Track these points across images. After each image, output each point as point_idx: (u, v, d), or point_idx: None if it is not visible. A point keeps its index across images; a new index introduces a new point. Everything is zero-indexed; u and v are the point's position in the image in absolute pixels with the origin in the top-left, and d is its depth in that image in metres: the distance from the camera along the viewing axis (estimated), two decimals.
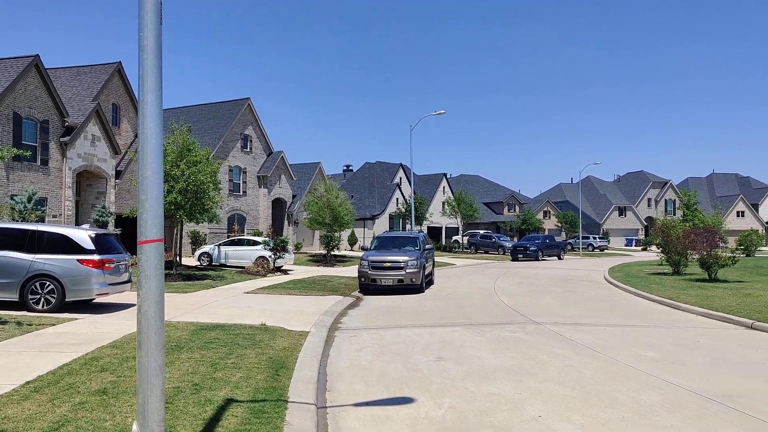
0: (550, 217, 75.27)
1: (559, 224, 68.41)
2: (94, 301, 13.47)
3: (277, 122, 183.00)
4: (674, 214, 72.24)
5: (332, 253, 34.56)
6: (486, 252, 51.71)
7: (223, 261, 27.62)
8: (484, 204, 71.47)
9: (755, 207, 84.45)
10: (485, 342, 10.15)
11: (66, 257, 12.33)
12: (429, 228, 60.92)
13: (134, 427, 3.93)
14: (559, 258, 44.41)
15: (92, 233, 12.88)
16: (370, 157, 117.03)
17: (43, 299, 12.17)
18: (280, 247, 26.04)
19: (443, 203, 59.69)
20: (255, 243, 27.60)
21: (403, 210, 55.22)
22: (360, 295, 18.23)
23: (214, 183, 21.85)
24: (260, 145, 42.75)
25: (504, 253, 48.71)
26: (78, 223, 26.62)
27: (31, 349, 8.37)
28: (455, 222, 58.03)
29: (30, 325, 10.34)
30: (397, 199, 57.83)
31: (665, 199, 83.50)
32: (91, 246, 12.49)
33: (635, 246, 72.30)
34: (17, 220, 19.46)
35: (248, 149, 41.31)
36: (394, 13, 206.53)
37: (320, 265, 31.26)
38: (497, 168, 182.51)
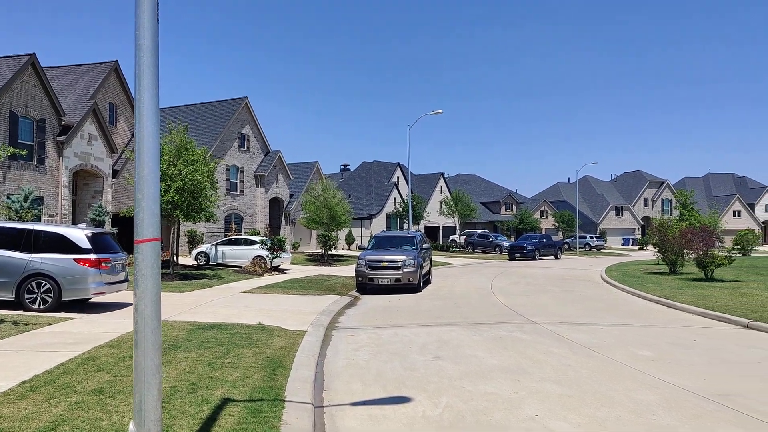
0: (547, 217, 75.38)
1: (556, 224, 68.53)
2: (90, 300, 13.44)
3: (274, 122, 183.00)
4: (671, 214, 72.46)
5: (329, 252, 34.55)
6: (483, 251, 51.75)
7: (220, 260, 27.59)
8: (482, 203, 71.59)
9: (751, 207, 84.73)
10: (482, 341, 10.16)
11: (62, 256, 12.30)
12: (426, 227, 60.97)
13: (131, 426, 3.92)
14: (556, 257, 44.47)
15: (89, 232, 12.85)
16: (367, 157, 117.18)
17: (39, 298, 12.14)
18: (277, 247, 26.02)
19: (441, 203, 59.76)
20: (252, 242, 27.58)
21: (401, 209, 55.23)
22: (357, 294, 18.23)
23: (211, 182, 21.82)
24: (257, 145, 42.72)
25: (501, 253, 48.76)
26: (74, 222, 26.57)
27: (28, 348, 8.35)
28: (452, 221, 58.09)
29: (26, 324, 10.32)
30: (395, 198, 57.85)
31: (662, 199, 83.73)
32: (87, 245, 12.46)
33: (632, 245, 72.46)
34: (14, 220, 19.42)
35: (245, 148, 41.27)
36: (393, 14, 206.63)
37: (317, 265, 31.24)
38: (495, 168, 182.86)
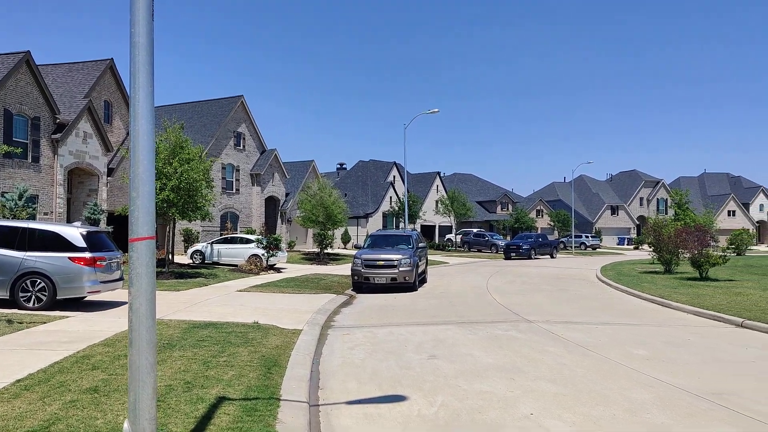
0: (543, 216, 75.51)
1: (552, 223, 68.66)
2: (85, 299, 13.39)
3: (272, 122, 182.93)
4: (666, 213, 72.67)
5: (325, 251, 34.54)
6: (479, 250, 51.82)
7: (215, 259, 27.54)
8: (478, 203, 71.63)
9: (746, 206, 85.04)
10: (478, 340, 10.17)
11: (57, 255, 12.25)
12: (422, 226, 60.99)
13: (125, 425, 3.91)
14: (552, 256, 44.57)
15: (84, 231, 12.80)
16: (366, 156, 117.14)
17: (34, 297, 12.10)
18: (273, 245, 25.99)
19: (437, 202, 59.80)
20: (248, 241, 27.54)
21: (397, 208, 55.23)
22: (353, 293, 18.23)
23: (206, 181, 21.79)
24: (253, 143, 42.65)
25: (497, 252, 48.84)
26: (69, 220, 26.48)
27: (22, 347, 8.32)
28: (448, 220, 58.13)
29: (21, 323, 10.27)
30: (391, 197, 57.85)
31: (657, 198, 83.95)
32: (82, 244, 12.42)
33: (627, 245, 72.68)
34: (8, 218, 19.32)
35: (241, 147, 41.20)
36: (392, 14, 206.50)
37: (313, 264, 31.22)
38: (493, 167, 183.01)
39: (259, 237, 27.78)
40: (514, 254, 41.85)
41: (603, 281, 22.55)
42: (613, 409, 6.13)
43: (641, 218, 79.39)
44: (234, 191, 40.29)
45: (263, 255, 25.74)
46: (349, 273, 19.97)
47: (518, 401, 6.42)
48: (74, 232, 12.60)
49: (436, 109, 34.56)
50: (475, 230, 57.30)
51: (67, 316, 11.35)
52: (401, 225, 52.76)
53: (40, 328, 9.97)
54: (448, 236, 59.92)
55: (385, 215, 56.74)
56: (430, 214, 61.72)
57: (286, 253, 29.58)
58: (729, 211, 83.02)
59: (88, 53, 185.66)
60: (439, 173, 67.97)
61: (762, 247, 74.33)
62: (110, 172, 30.02)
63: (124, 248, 10.93)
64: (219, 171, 38.07)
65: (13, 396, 5.77)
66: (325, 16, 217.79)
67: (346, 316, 13.51)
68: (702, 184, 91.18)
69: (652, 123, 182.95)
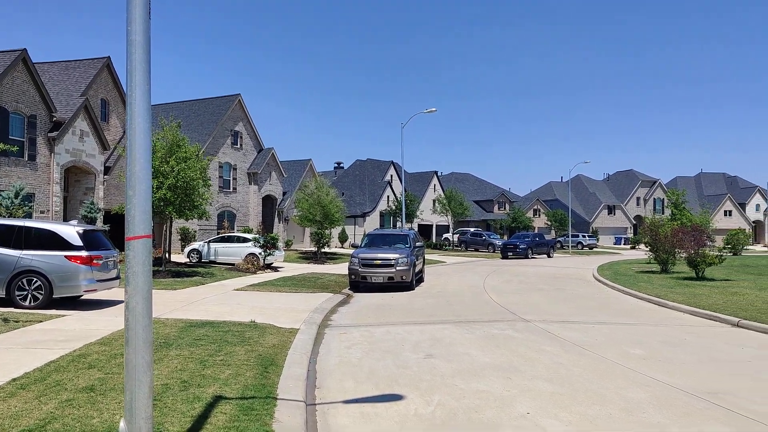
0: (540, 216, 75.59)
1: (549, 222, 68.75)
2: (82, 297, 13.36)
3: (272, 121, 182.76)
4: (663, 213, 72.81)
5: (323, 250, 34.52)
6: (476, 250, 51.86)
7: (212, 258, 27.50)
8: (475, 202, 71.66)
9: (742, 206, 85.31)
10: (475, 339, 10.18)
11: (53, 253, 12.22)
12: (420, 226, 60.99)
13: (121, 424, 3.91)
14: (549, 256, 44.63)
15: (80, 229, 12.78)
16: (362, 155, 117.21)
17: (30, 296, 12.07)
18: (270, 244, 25.97)
19: (434, 201, 59.84)
20: (245, 240, 27.51)
21: (394, 207, 55.26)
22: (350, 292, 18.22)
23: (203, 179, 21.76)
24: (251, 142, 42.60)
25: (494, 251, 48.87)
26: (66, 219, 26.42)
27: (18, 345, 8.30)
28: (446, 220, 58.18)
29: (17, 321, 10.25)
30: (388, 196, 57.85)
31: (654, 198, 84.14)
32: (79, 242, 12.39)
33: (624, 244, 72.77)
34: (4, 216, 19.26)
35: (238, 146, 41.15)
36: (392, 14, 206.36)
37: (310, 263, 31.21)
38: (490, 167, 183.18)
39: (256, 236, 27.77)
40: (511, 254, 41.89)
41: (600, 281, 22.59)
42: (610, 409, 6.14)
43: (638, 218, 79.56)
44: (231, 190, 40.24)
45: (260, 254, 25.71)
46: (347, 272, 19.96)
47: (515, 400, 6.43)
48: (71, 231, 12.57)
49: (434, 109, 34.57)
50: (472, 229, 57.33)
51: (64, 315, 11.33)
52: (398, 224, 52.76)
53: (37, 326, 9.95)
54: (445, 235, 59.97)
55: (382, 214, 56.75)
56: (428, 213, 61.73)
57: (283, 252, 29.56)
58: (725, 211, 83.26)
59: (86, 51, 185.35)
60: (436, 172, 67.98)
61: (758, 247, 74.55)
62: (107, 170, 29.96)
63: (121, 247, 10.86)
64: (216, 170, 38.02)
65: (9, 395, 5.75)
66: (325, 16, 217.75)
67: (343, 315, 13.51)
68: (699, 184, 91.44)
69: (651, 123, 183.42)
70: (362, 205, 56.04)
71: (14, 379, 6.33)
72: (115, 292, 14.08)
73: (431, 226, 63.95)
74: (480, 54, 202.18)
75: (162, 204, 19.90)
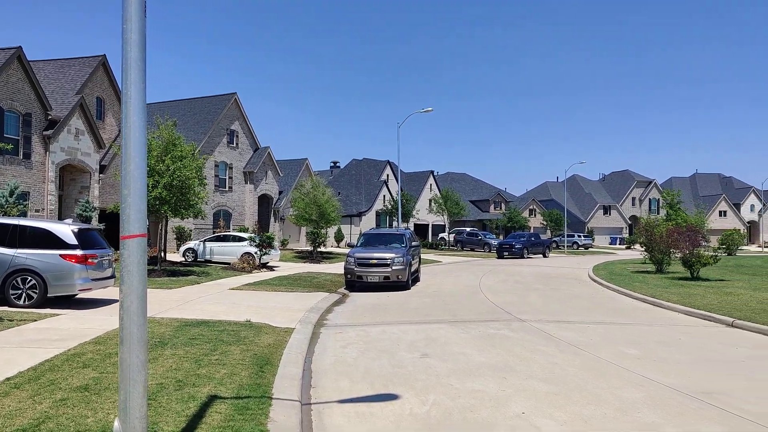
0: (535, 216, 75.73)
1: (545, 222, 68.84)
2: (76, 296, 13.32)
3: (272, 121, 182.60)
4: (658, 213, 73.03)
5: (318, 249, 34.50)
6: (472, 249, 51.92)
7: (208, 257, 27.45)
8: (471, 202, 71.76)
9: (737, 207, 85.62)
10: (470, 339, 10.19)
11: (48, 252, 12.18)
12: (416, 225, 61.04)
13: (116, 423, 3.89)
14: (544, 256, 44.71)
15: (75, 228, 12.73)
16: (361, 155, 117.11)
17: (24, 294, 12.02)
18: (266, 244, 25.94)
19: (430, 201, 59.86)
20: (241, 239, 27.47)
21: (390, 207, 55.25)
22: (346, 291, 18.21)
23: (199, 178, 21.71)
24: (247, 141, 42.52)
25: (490, 251, 48.93)
26: (61, 217, 26.31)
27: (12, 344, 8.27)
28: (442, 219, 58.18)
29: (11, 320, 10.20)
30: (384, 196, 57.84)
31: (649, 198, 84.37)
32: (74, 241, 12.35)
33: (619, 244, 73.00)
34: None
35: (234, 144, 41.06)
36: (393, 14, 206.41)
37: (306, 262, 31.19)
38: (487, 166, 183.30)
39: (252, 235, 27.72)
40: (506, 253, 41.94)
41: (595, 281, 22.64)
42: (604, 408, 6.15)
43: (633, 218, 79.76)
44: (227, 189, 40.16)
45: (256, 253, 25.67)
46: (342, 271, 19.96)
47: (510, 400, 6.44)
48: (65, 230, 12.53)
49: (430, 108, 34.66)
50: (468, 229, 57.41)
51: (58, 314, 11.28)
52: (395, 224, 52.77)
53: (31, 325, 9.91)
54: (441, 235, 59.99)
55: (378, 214, 56.73)
56: (424, 212, 61.77)
57: (279, 252, 29.53)
58: (720, 212, 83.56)
59: (81, 49, 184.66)
60: (432, 172, 68.03)
61: (752, 248, 74.89)
62: (102, 169, 29.85)
63: (116, 246, 10.87)
64: (212, 169, 37.94)
65: (3, 394, 5.73)
66: (327, 17, 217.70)
67: (339, 314, 13.50)
68: (694, 184, 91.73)
69: (652, 123, 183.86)
70: (358, 205, 56.02)
71: (8, 379, 6.31)
72: (110, 291, 14.05)
73: (427, 225, 63.97)
74: (481, 54, 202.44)
75: (157, 203, 19.85)
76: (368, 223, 54.17)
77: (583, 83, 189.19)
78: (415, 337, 10.30)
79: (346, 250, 32.31)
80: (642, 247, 28.64)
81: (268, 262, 26.60)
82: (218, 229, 36.77)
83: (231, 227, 38.72)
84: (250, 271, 23.64)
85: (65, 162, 26.64)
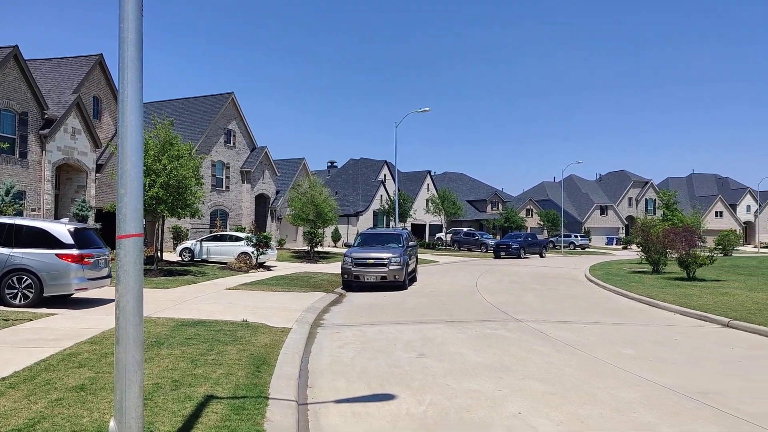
0: (532, 216, 75.83)
1: (542, 222, 68.97)
2: (72, 296, 13.29)
3: (272, 121, 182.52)
4: (654, 214, 73.10)
5: (315, 249, 34.49)
6: (469, 249, 51.96)
7: (204, 257, 27.42)
8: (468, 202, 71.78)
9: (733, 207, 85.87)
10: (467, 339, 10.19)
11: (44, 252, 12.14)
12: (413, 225, 61.04)
13: (112, 423, 3.89)
14: (541, 256, 44.77)
15: (71, 227, 12.70)
16: (359, 155, 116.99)
17: (20, 294, 11.98)
18: (262, 243, 25.91)
19: (427, 201, 59.91)
20: (237, 239, 27.45)
21: (387, 207, 55.23)
22: (343, 291, 18.21)
23: (196, 178, 21.68)
24: (244, 140, 42.47)
25: (487, 251, 48.99)
26: (57, 217, 26.23)
27: (8, 344, 8.24)
28: (439, 219, 58.22)
29: (7, 320, 10.17)
30: (381, 195, 57.84)
31: (646, 199, 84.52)
32: (70, 240, 12.32)
33: (616, 245, 73.13)
34: None
35: (231, 144, 41.01)
36: (392, 14, 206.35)
37: (303, 262, 31.16)
38: (487, 166, 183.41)
39: (249, 235, 27.70)
40: (503, 253, 41.99)
41: (592, 281, 22.68)
42: (601, 408, 6.16)
43: (630, 218, 79.89)
44: (224, 188, 40.11)
45: (253, 253, 25.65)
46: (339, 271, 19.95)
47: (506, 400, 6.45)
48: (62, 229, 12.49)
49: (427, 108, 34.67)
50: (465, 229, 57.44)
51: (54, 314, 11.25)
52: (392, 223, 52.76)
53: (27, 325, 9.88)
54: (438, 235, 60.02)
55: (375, 214, 56.73)
56: (421, 212, 61.78)
57: (276, 251, 29.50)
58: (716, 212, 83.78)
59: (78, 48, 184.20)
60: (429, 172, 68.06)
61: (748, 248, 75.10)
62: (99, 168, 29.78)
63: (113, 245, 10.80)
64: (209, 168, 37.89)
65: None
66: (325, 16, 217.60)
67: (336, 314, 13.50)
68: (690, 184, 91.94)
69: (651, 123, 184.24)
70: (355, 205, 56.01)
71: (3, 378, 6.29)
72: (107, 291, 14.02)
73: (424, 225, 64.00)
74: (480, 54, 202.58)
75: (154, 202, 19.82)
76: (365, 223, 54.17)
77: (582, 83, 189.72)
78: (412, 337, 10.30)
79: (343, 250, 32.31)
80: (638, 247, 28.70)
81: (265, 262, 26.58)
82: (215, 229, 36.73)
83: (228, 227, 38.68)
84: (247, 271, 23.62)
85: (62, 161, 26.57)
